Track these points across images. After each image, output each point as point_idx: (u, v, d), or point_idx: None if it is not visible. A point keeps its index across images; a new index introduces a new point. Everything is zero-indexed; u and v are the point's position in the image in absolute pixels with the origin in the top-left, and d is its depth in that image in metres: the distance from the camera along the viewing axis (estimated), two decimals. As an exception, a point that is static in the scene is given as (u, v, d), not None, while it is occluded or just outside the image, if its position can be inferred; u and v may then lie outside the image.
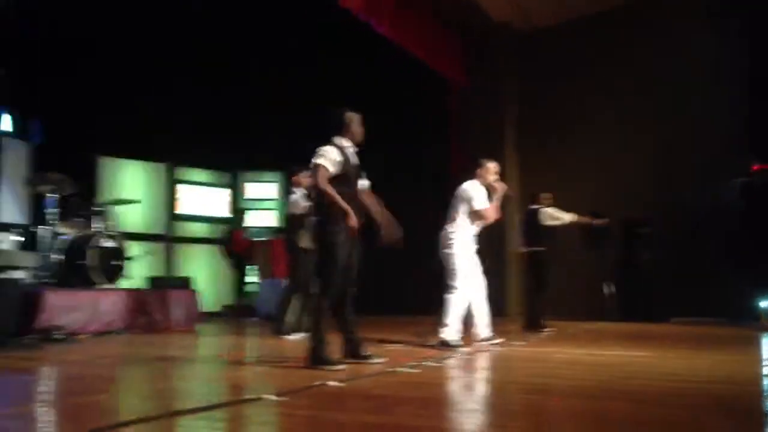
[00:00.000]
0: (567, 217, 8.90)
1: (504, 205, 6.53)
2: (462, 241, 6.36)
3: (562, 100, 12.52)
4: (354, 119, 5.01)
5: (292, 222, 7.39)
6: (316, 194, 4.92)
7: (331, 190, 4.73)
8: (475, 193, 6.39)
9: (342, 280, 4.81)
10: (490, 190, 6.48)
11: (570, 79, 12.46)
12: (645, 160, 11.59)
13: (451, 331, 6.18)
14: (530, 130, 12.85)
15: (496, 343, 6.46)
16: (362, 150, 5.08)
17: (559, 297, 10.53)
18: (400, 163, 11.26)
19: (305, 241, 7.21)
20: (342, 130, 4.97)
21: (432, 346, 6.17)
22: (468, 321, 6.42)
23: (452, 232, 6.37)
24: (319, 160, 4.77)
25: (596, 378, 4.48)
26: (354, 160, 4.97)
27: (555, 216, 8.85)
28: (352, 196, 4.86)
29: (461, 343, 6.18)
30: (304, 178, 7.37)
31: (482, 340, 6.47)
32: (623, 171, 11.71)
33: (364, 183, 5.15)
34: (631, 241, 11.32)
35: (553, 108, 12.58)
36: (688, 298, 10.52)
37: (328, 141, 4.90)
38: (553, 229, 8.87)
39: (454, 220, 6.40)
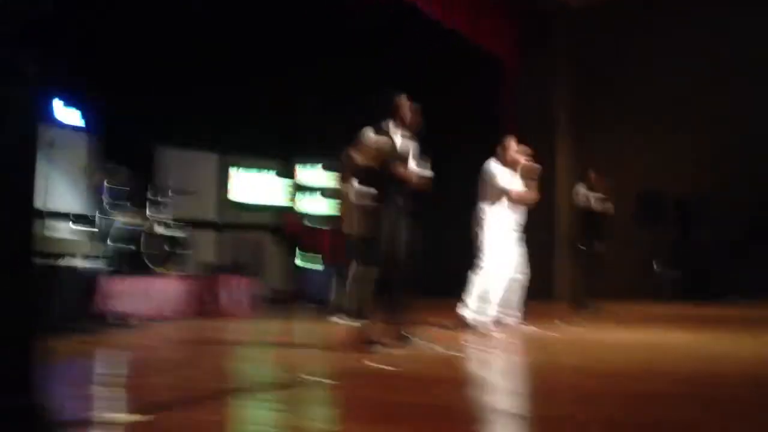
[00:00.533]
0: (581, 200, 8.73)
1: (532, 183, 6.52)
2: (493, 220, 6.36)
3: (617, 79, 12.34)
4: (404, 104, 5.00)
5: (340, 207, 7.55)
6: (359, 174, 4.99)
7: (345, 190, 4.83)
8: (497, 171, 6.41)
9: (388, 261, 4.84)
10: (514, 167, 6.47)
11: (624, 57, 12.27)
12: (702, 138, 11.36)
13: (469, 309, 6.20)
14: (585, 109, 12.69)
15: (526, 328, 6.45)
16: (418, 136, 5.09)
17: (611, 276, 10.44)
18: (451, 148, 11.27)
19: (347, 226, 7.35)
20: (391, 113, 4.99)
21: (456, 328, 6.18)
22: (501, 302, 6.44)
23: (482, 212, 6.38)
24: (351, 150, 4.85)
25: (634, 361, 4.49)
26: (402, 145, 4.97)
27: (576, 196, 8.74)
28: (391, 185, 4.87)
29: (477, 322, 6.18)
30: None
31: (512, 325, 6.49)
32: (680, 148, 11.52)
33: (426, 171, 5.11)
34: (687, 219, 11.14)
35: (608, 87, 12.42)
36: (744, 277, 10.32)
37: (376, 125, 4.93)
38: (591, 212, 8.73)
39: (483, 200, 6.41)
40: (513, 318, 6.59)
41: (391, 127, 4.97)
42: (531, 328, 6.47)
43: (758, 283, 10.21)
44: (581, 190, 8.77)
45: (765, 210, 10.50)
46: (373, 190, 4.83)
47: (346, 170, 7.45)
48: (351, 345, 4.80)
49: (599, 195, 8.76)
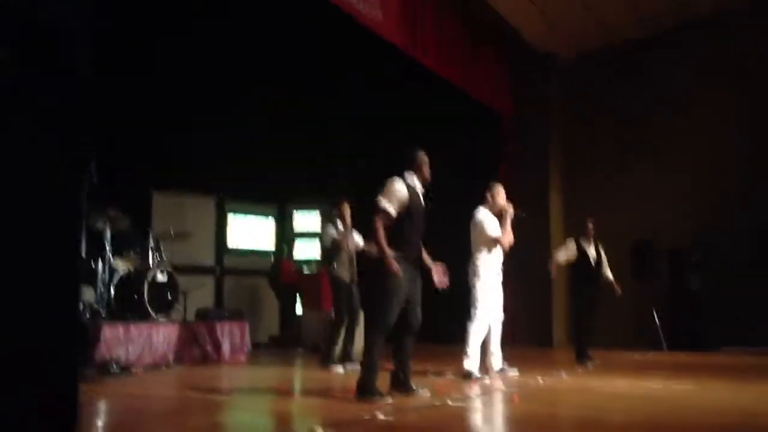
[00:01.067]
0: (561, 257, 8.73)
1: (515, 228, 6.59)
2: (486, 271, 6.47)
3: (610, 126, 12.53)
4: (425, 160, 5.15)
5: (325, 253, 7.57)
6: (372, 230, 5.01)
7: (382, 243, 4.78)
8: (486, 220, 6.51)
9: (406, 314, 4.92)
10: (503, 214, 6.55)
11: (617, 105, 12.49)
12: (694, 187, 11.50)
13: (471, 361, 6.29)
14: (579, 158, 12.85)
15: (513, 375, 6.57)
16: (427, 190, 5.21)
17: (607, 326, 10.47)
18: (449, 195, 11.38)
19: (342, 272, 7.39)
20: (413, 167, 5.11)
21: (456, 378, 6.23)
22: (483, 351, 6.53)
23: (476, 261, 6.48)
24: (382, 203, 4.86)
25: (641, 411, 4.50)
26: (420, 199, 5.08)
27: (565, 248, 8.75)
28: (413, 236, 4.96)
29: (480, 374, 6.28)
30: (345, 208, 7.56)
31: (498, 371, 6.60)
32: (672, 198, 11.64)
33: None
34: (681, 270, 11.19)
35: (602, 135, 12.59)
36: (739, 326, 10.37)
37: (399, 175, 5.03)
38: (582, 265, 8.73)
39: (476, 250, 6.51)
40: (500, 361, 6.68)
41: (413, 179, 5.07)
42: (514, 370, 6.63)
43: (754, 331, 10.26)
44: (571, 243, 8.77)
45: (759, 256, 10.57)
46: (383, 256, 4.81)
47: (345, 217, 7.54)
48: (352, 393, 4.79)
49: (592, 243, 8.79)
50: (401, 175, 5.02)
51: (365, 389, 4.74)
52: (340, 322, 7.45)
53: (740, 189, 10.95)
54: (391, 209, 4.85)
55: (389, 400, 4.70)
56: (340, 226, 7.54)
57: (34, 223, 1.14)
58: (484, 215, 6.56)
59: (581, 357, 8.47)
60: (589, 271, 8.56)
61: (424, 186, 5.15)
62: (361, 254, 7.56)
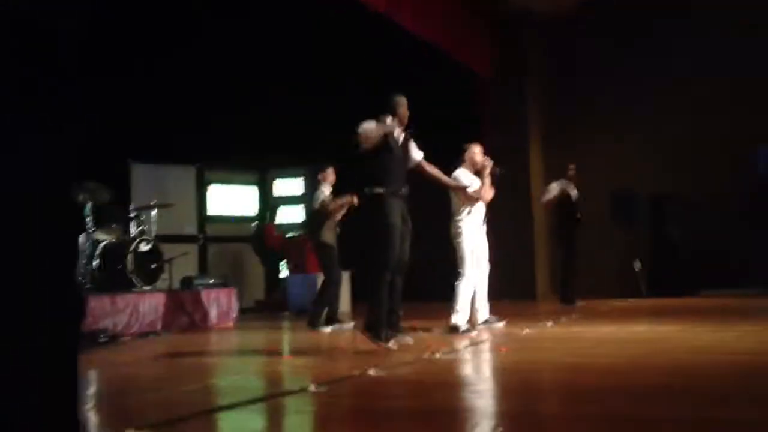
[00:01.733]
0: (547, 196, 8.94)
1: (494, 182, 6.70)
2: (468, 228, 6.56)
3: (587, 83, 12.54)
4: (402, 102, 5.36)
5: (314, 217, 7.57)
6: (368, 171, 5.15)
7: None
8: (466, 179, 6.59)
9: (398, 261, 5.08)
10: (482, 171, 6.64)
11: (593, 62, 12.49)
12: (674, 136, 11.59)
13: (460, 316, 6.38)
14: (559, 112, 12.87)
15: (500, 326, 6.69)
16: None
17: (589, 274, 10.62)
18: (427, 156, 11.37)
19: (327, 236, 7.41)
20: (390, 110, 5.28)
21: (444, 333, 6.33)
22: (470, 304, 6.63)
23: (458, 221, 6.57)
24: (363, 127, 5.09)
25: (626, 355, 4.59)
26: (399, 137, 5.29)
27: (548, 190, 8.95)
28: (395, 172, 5.16)
29: (469, 327, 6.39)
30: (330, 173, 7.58)
31: (483, 323, 6.70)
32: (652, 147, 11.73)
33: (417, 155, 5.57)
34: (661, 216, 11.33)
35: (582, 89, 12.61)
36: (717, 271, 10.55)
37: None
38: (569, 201, 8.91)
39: (455, 211, 6.59)
40: (486, 312, 6.78)
41: (391, 122, 5.21)
42: (501, 322, 6.76)
43: (733, 275, 10.45)
44: (554, 184, 8.93)
45: (739, 204, 10.72)
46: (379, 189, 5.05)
47: (330, 181, 7.56)
48: (360, 331, 5.00)
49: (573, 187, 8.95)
50: (380, 117, 5.18)
51: (373, 328, 4.94)
52: (330, 284, 7.48)
53: (721, 137, 11.04)
54: (370, 128, 5.06)
55: (394, 346, 4.87)
56: (327, 191, 7.54)
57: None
58: (461, 173, 6.65)
59: (569, 299, 8.62)
60: (572, 213, 8.72)
61: (403, 127, 5.35)
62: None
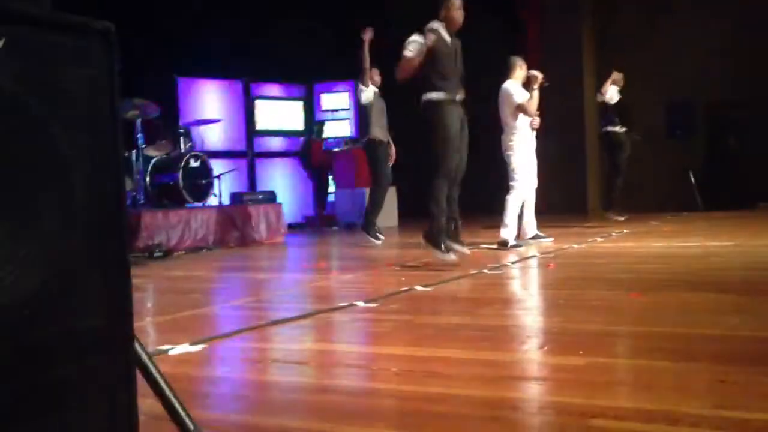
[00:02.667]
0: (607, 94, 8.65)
1: (542, 96, 6.55)
2: (519, 142, 6.48)
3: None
4: (455, 4, 5.13)
5: (363, 115, 7.54)
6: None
7: (406, 66, 4.95)
8: (513, 89, 6.50)
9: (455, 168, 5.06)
10: (531, 84, 6.50)
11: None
12: (730, 44, 11.10)
13: (509, 230, 6.34)
14: (609, 16, 12.39)
15: (547, 242, 6.62)
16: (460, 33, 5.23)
17: (644, 187, 10.41)
18: (474, 73, 11.11)
19: (378, 132, 7.37)
20: (441, 14, 5.12)
21: (494, 247, 6.31)
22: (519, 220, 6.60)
23: (509, 134, 6.48)
24: (403, 53, 5.00)
25: (675, 271, 4.53)
26: (451, 42, 5.12)
27: (602, 92, 8.68)
28: (447, 76, 5.02)
29: (518, 242, 6.37)
30: (375, 74, 7.49)
31: (532, 238, 6.65)
32: (709, 57, 11.26)
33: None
34: (717, 127, 10.98)
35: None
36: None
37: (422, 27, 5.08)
38: (624, 108, 8.67)
39: (506, 123, 6.48)
40: (534, 227, 6.75)
41: (439, 27, 5.07)
42: (549, 239, 6.71)
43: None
44: (607, 86, 8.67)
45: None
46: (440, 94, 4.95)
47: (375, 81, 7.45)
48: (424, 242, 4.99)
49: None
50: (426, 26, 5.06)
51: (433, 238, 4.95)
52: (380, 187, 7.49)
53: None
54: (410, 54, 4.96)
55: (452, 256, 4.88)
56: (375, 90, 7.47)
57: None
58: (509, 85, 6.56)
59: (609, 209, 8.56)
60: (624, 118, 8.55)
61: (453, 30, 5.15)
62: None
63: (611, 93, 8.60)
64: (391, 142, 7.62)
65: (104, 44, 1.24)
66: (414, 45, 4.98)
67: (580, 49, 12.19)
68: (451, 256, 4.91)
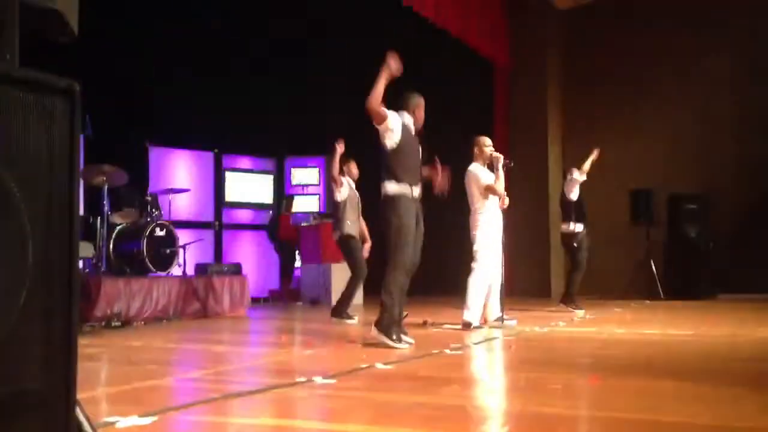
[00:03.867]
0: (576, 174, 8.76)
1: (507, 177, 6.66)
2: (485, 222, 6.52)
3: (608, 78, 12.43)
4: (419, 102, 5.26)
5: (337, 210, 7.56)
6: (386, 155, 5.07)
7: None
8: (479, 171, 6.59)
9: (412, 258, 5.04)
10: (494, 164, 6.59)
11: (616, 56, 12.37)
12: (693, 136, 11.49)
13: (472, 312, 6.34)
14: (576, 105, 12.78)
15: (512, 325, 6.59)
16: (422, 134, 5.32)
17: (604, 275, 10.54)
18: (442, 143, 11.29)
19: (351, 229, 7.39)
20: (407, 109, 5.22)
21: (455, 329, 6.30)
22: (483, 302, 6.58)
23: (476, 215, 6.54)
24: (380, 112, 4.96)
25: (635, 357, 4.54)
26: (413, 137, 5.19)
27: (570, 180, 8.79)
28: (409, 166, 5.06)
29: (481, 324, 6.37)
30: (353, 167, 7.57)
31: (496, 320, 6.63)
32: (671, 146, 11.63)
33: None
34: (678, 218, 11.20)
35: (600, 83, 12.50)
36: (736, 274, 10.43)
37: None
38: (582, 205, 8.78)
39: (473, 204, 6.56)
40: (499, 314, 6.71)
41: (407, 119, 5.17)
42: (513, 321, 6.70)
43: (750, 279, 10.32)
44: (581, 178, 8.79)
45: (757, 207, 10.60)
46: (395, 185, 4.97)
47: (353, 174, 7.54)
48: (365, 338, 4.88)
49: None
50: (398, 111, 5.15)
51: (384, 328, 4.90)
52: (359, 279, 7.49)
53: (739, 138, 10.93)
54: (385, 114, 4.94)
55: (404, 346, 4.85)
56: (349, 183, 7.53)
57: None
58: (475, 167, 6.63)
59: (567, 302, 8.57)
60: (582, 216, 8.66)
61: (417, 128, 5.25)
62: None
63: (575, 191, 8.72)
64: (366, 235, 7.65)
65: (68, 103, 1.24)
66: (394, 118, 5.03)
67: (546, 139, 12.50)
68: (403, 346, 4.87)
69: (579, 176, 8.70)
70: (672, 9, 11.85)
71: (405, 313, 5.29)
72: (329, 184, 7.61)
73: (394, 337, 4.90)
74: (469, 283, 6.41)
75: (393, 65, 4.76)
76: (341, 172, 7.46)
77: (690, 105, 11.61)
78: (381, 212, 5.06)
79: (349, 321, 7.25)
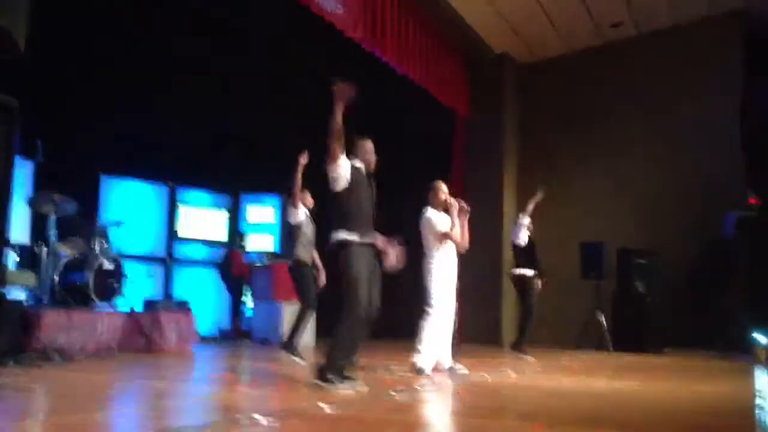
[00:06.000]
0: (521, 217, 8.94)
1: (469, 221, 6.70)
2: (439, 268, 6.47)
3: (562, 132, 12.72)
4: (369, 148, 5.20)
5: (289, 236, 7.50)
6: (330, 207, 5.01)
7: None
8: (433, 217, 6.57)
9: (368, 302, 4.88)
10: (449, 209, 6.60)
11: (570, 110, 12.68)
12: (643, 192, 11.75)
13: (423, 357, 6.27)
14: (530, 161, 13.02)
15: (462, 372, 6.52)
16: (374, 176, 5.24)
17: (554, 325, 10.61)
18: (400, 190, 11.35)
19: (304, 254, 7.31)
20: (358, 154, 5.16)
21: (405, 373, 6.23)
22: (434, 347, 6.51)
23: (429, 259, 6.50)
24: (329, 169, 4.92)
25: (579, 407, 4.55)
26: (365, 181, 5.11)
27: (517, 224, 8.94)
28: (362, 212, 4.98)
29: (430, 371, 6.27)
30: (308, 196, 7.52)
31: (447, 368, 6.56)
32: (621, 202, 11.87)
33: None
34: (627, 272, 11.36)
35: (556, 138, 12.77)
36: (682, 329, 10.58)
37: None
38: (532, 249, 8.90)
39: (428, 248, 6.53)
40: (450, 361, 6.65)
41: (360, 165, 5.12)
42: (463, 368, 6.60)
43: (696, 334, 10.48)
44: (525, 221, 8.92)
45: (702, 263, 10.83)
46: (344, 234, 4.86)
47: (307, 203, 7.48)
48: (309, 380, 4.74)
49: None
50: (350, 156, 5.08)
51: (326, 373, 4.74)
52: (307, 308, 7.35)
53: (689, 196, 11.20)
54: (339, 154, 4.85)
55: (347, 388, 4.69)
56: (305, 212, 7.48)
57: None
58: (430, 213, 6.61)
59: (517, 349, 8.62)
60: (532, 260, 8.76)
61: (369, 172, 5.18)
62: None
63: (522, 236, 8.86)
64: (320, 266, 7.56)
65: (6, 121, 1.21)
66: (344, 161, 4.96)
67: (501, 186, 12.67)
68: (346, 388, 4.71)
69: (524, 219, 8.85)
70: (621, 71, 12.26)
71: (357, 361, 5.19)
72: (288, 213, 7.50)
73: (337, 380, 4.76)
74: (421, 327, 6.35)
75: (343, 91, 4.70)
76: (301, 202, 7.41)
77: (634, 161, 11.93)
78: (334, 260, 4.94)
79: (298, 360, 7.10)
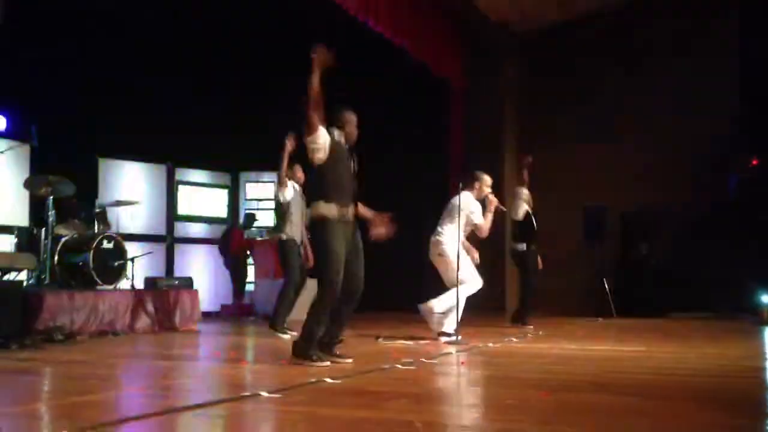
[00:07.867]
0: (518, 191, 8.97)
1: (495, 219, 6.81)
2: (453, 247, 6.51)
3: (562, 99, 12.60)
4: (351, 119, 5.02)
5: (280, 211, 7.48)
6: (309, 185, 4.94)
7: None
8: (474, 207, 6.66)
9: (346, 278, 4.76)
10: (485, 203, 6.71)
11: (569, 78, 12.55)
12: (645, 156, 11.67)
13: (450, 322, 6.34)
14: (530, 129, 12.92)
15: (462, 341, 6.42)
16: (359, 151, 5.10)
17: (557, 292, 10.60)
18: (398, 164, 11.28)
19: (290, 232, 7.29)
20: (339, 126, 4.98)
21: (431, 339, 6.25)
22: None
23: (443, 238, 6.54)
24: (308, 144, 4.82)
25: (587, 372, 4.55)
26: (345, 154, 4.96)
27: (514, 199, 8.94)
28: (341, 184, 4.84)
29: (457, 335, 6.32)
30: (298, 171, 7.45)
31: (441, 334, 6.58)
32: (623, 167, 11.79)
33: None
34: (630, 236, 11.34)
35: (556, 106, 12.65)
36: (687, 292, 10.58)
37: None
38: (531, 223, 8.84)
39: (445, 227, 6.53)
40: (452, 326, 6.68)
41: (339, 136, 4.96)
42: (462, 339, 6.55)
43: (699, 297, 10.48)
44: (524, 195, 8.89)
45: (706, 225, 10.81)
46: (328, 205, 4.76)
47: (298, 179, 7.42)
48: (293, 359, 4.72)
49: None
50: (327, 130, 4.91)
51: (302, 349, 4.67)
52: (292, 285, 7.33)
53: (692, 160, 11.15)
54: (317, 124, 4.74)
55: (325, 364, 4.60)
56: (295, 187, 7.44)
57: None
58: (471, 201, 6.67)
59: (518, 321, 8.61)
60: (529, 235, 8.75)
61: (350, 145, 5.01)
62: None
63: (520, 210, 8.79)
64: (307, 242, 7.47)
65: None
66: (323, 134, 4.82)
67: (501, 158, 12.61)
68: (323, 363, 4.59)
69: (521, 192, 8.80)
70: (621, 37, 12.14)
71: (341, 338, 5.13)
72: (276, 193, 7.46)
73: (315, 354, 4.65)
74: (451, 295, 6.37)
75: (321, 56, 4.57)
76: (291, 179, 7.37)
77: (636, 124, 11.85)
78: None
79: (283, 336, 7.03)
